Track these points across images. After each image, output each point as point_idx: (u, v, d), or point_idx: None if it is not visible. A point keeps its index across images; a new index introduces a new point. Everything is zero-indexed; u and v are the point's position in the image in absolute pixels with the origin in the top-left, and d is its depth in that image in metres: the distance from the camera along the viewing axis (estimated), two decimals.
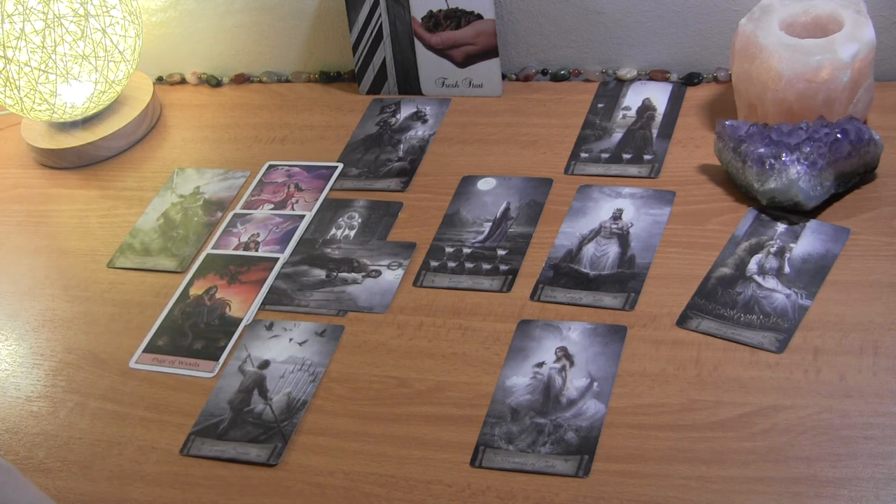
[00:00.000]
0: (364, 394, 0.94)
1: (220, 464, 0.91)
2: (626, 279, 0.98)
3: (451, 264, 1.04)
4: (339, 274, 1.05)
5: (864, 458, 0.80)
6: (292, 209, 1.15)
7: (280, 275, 1.07)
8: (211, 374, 0.99)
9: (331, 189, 1.16)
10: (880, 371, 0.86)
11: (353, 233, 1.10)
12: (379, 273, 1.05)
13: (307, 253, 1.09)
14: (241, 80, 1.39)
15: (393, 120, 1.25)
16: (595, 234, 1.03)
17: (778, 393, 0.86)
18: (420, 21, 1.24)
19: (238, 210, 1.16)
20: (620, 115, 1.17)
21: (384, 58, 1.28)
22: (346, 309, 1.02)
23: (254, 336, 1.01)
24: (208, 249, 1.12)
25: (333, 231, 1.11)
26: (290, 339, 1.00)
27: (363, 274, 1.05)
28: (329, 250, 1.08)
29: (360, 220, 1.11)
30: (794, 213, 1.00)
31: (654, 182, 1.08)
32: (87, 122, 1.31)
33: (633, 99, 1.19)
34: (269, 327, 1.02)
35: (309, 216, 1.13)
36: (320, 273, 1.06)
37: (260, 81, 1.38)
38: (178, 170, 1.25)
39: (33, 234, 1.22)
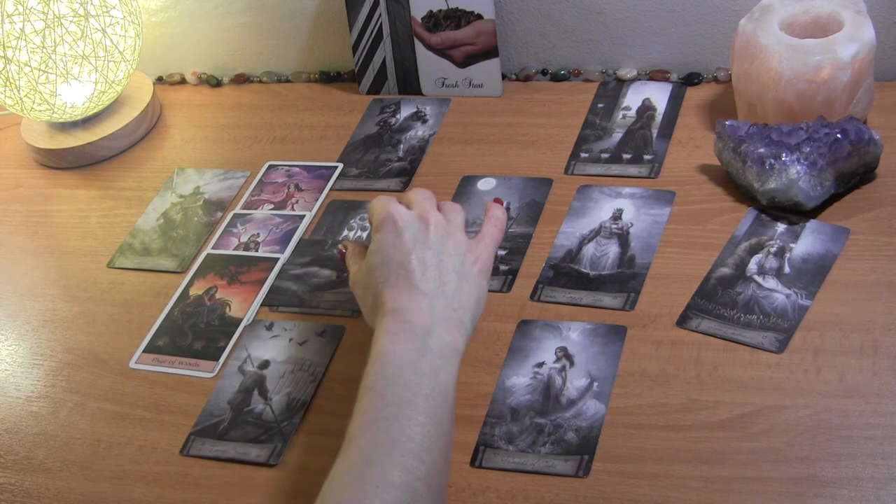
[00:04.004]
0: None
1: (220, 464, 0.91)
2: (626, 279, 0.98)
3: None
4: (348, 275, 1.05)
5: (864, 458, 0.80)
6: (292, 209, 1.15)
7: (290, 276, 1.06)
8: (211, 375, 0.99)
9: (332, 189, 1.16)
10: (880, 371, 0.86)
11: (366, 234, 1.09)
12: None
13: (316, 254, 1.08)
14: (241, 80, 1.39)
15: (393, 120, 1.25)
16: (595, 234, 1.03)
17: (778, 393, 0.86)
18: (420, 21, 1.24)
19: (238, 210, 1.16)
20: (620, 115, 1.17)
21: (384, 58, 1.28)
22: (357, 309, 1.01)
23: (254, 336, 1.01)
24: (208, 249, 1.12)
25: (346, 233, 1.10)
26: (290, 340, 1.00)
27: None
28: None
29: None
30: (794, 213, 1.00)
31: (654, 182, 1.08)
32: (87, 122, 1.31)
33: (633, 99, 1.19)
34: (269, 327, 1.02)
35: (309, 216, 1.13)
36: (331, 274, 1.06)
37: (260, 81, 1.38)
38: (178, 170, 1.25)
39: (33, 234, 1.22)
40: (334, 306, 1.02)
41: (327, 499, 0.73)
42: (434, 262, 0.86)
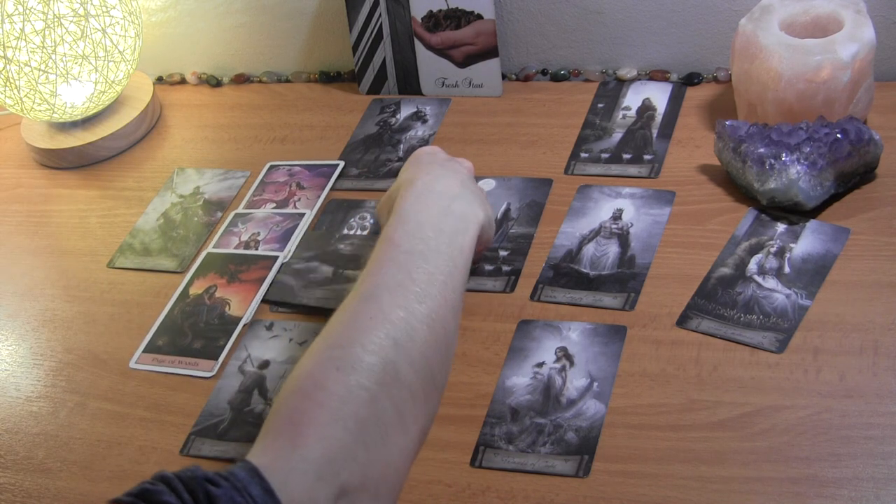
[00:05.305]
0: None
1: (220, 464, 0.91)
2: (626, 279, 0.98)
3: None
4: (345, 271, 1.05)
5: (864, 458, 0.80)
6: (294, 207, 1.15)
7: (291, 270, 1.06)
8: (210, 374, 0.99)
9: (333, 189, 1.16)
10: (880, 371, 0.86)
11: (365, 233, 1.09)
12: None
13: (321, 249, 1.08)
14: (241, 80, 1.39)
15: (393, 120, 1.25)
16: (595, 234, 1.03)
17: (778, 393, 0.86)
18: (420, 21, 1.24)
19: (240, 210, 1.16)
20: (620, 115, 1.17)
21: (384, 58, 1.28)
22: None
23: (254, 336, 1.01)
24: (209, 248, 1.12)
25: (346, 232, 1.10)
26: (291, 340, 1.00)
27: None
28: (342, 247, 1.08)
29: (371, 221, 1.11)
30: (794, 213, 1.00)
31: (654, 182, 1.08)
32: (87, 122, 1.31)
33: (633, 99, 1.19)
34: (269, 327, 1.02)
35: (310, 214, 1.13)
36: (328, 270, 1.06)
37: (260, 81, 1.38)
38: (178, 170, 1.25)
39: (33, 234, 1.22)
40: (322, 303, 1.02)
41: (322, 334, 0.74)
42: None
